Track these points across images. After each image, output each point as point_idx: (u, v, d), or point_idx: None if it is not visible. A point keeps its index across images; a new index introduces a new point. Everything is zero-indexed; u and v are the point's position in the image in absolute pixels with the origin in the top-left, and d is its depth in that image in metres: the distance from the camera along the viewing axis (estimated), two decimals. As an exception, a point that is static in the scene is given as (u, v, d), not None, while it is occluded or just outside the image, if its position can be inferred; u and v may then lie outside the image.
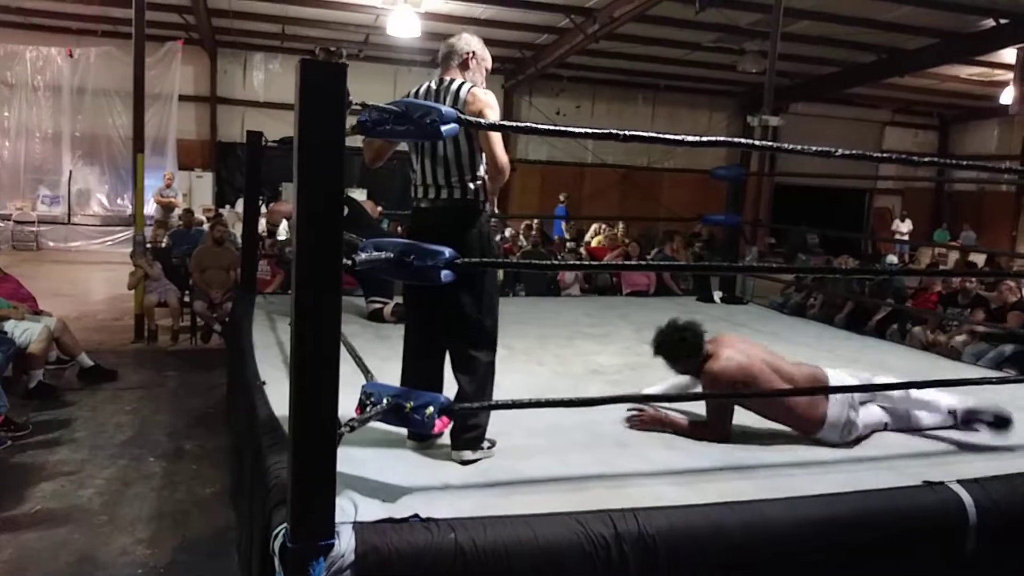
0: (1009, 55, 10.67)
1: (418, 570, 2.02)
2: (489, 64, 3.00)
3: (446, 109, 2.26)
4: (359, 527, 2.04)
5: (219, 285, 7.40)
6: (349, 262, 2.31)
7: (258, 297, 5.59)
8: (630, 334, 5.05)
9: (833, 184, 16.11)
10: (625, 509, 2.28)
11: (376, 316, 5.16)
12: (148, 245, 8.54)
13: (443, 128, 2.23)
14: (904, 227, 16.59)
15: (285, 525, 1.99)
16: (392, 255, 2.30)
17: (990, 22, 9.98)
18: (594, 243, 11.00)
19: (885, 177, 15.72)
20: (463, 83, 2.81)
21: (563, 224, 12.34)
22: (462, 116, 2.35)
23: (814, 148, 2.84)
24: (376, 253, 2.34)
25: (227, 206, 13.87)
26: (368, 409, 2.27)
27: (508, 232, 10.79)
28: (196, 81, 15.11)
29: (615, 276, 8.72)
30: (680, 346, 3.14)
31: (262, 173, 5.90)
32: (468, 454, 2.69)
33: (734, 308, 6.44)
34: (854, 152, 3.03)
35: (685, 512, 2.34)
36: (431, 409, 2.27)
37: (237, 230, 8.85)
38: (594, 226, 11.74)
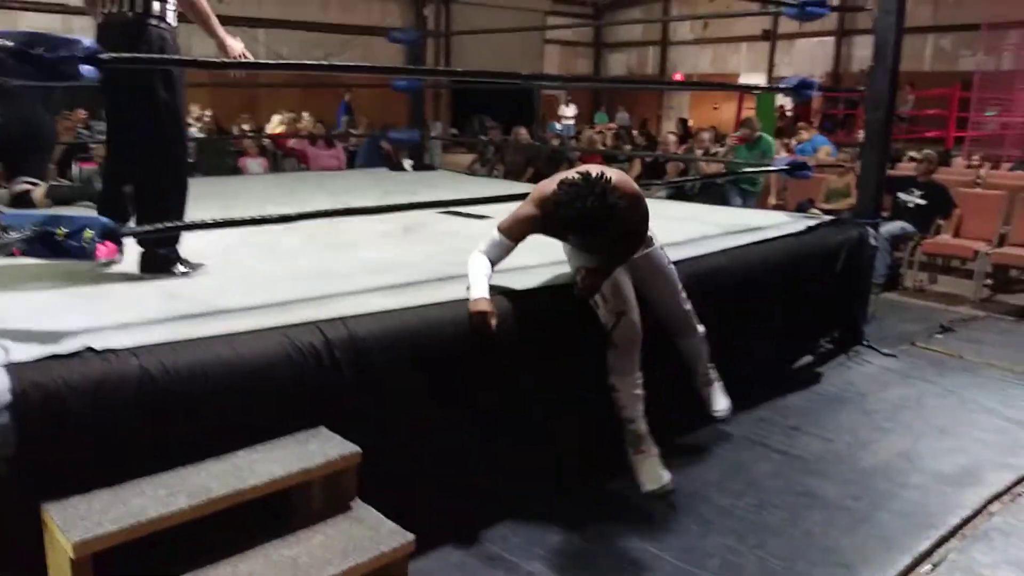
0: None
1: (98, 402, 1.74)
2: None
3: None
4: (14, 367, 1.70)
5: None
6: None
7: None
8: (326, 199, 4.84)
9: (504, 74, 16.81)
10: (334, 318, 2.17)
11: (23, 202, 4.32)
12: None
13: None
14: (569, 111, 17.99)
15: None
16: (12, 46, 1.86)
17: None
18: (275, 130, 10.41)
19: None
20: None
21: (343, 120, 11.66)
22: None
23: None
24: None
25: None
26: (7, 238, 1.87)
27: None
28: None
29: (302, 160, 8.38)
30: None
31: None
32: (160, 276, 2.56)
33: (426, 174, 6.48)
34: None
35: (397, 315, 2.30)
36: (90, 233, 1.94)
37: None
38: (276, 116, 11.08)
